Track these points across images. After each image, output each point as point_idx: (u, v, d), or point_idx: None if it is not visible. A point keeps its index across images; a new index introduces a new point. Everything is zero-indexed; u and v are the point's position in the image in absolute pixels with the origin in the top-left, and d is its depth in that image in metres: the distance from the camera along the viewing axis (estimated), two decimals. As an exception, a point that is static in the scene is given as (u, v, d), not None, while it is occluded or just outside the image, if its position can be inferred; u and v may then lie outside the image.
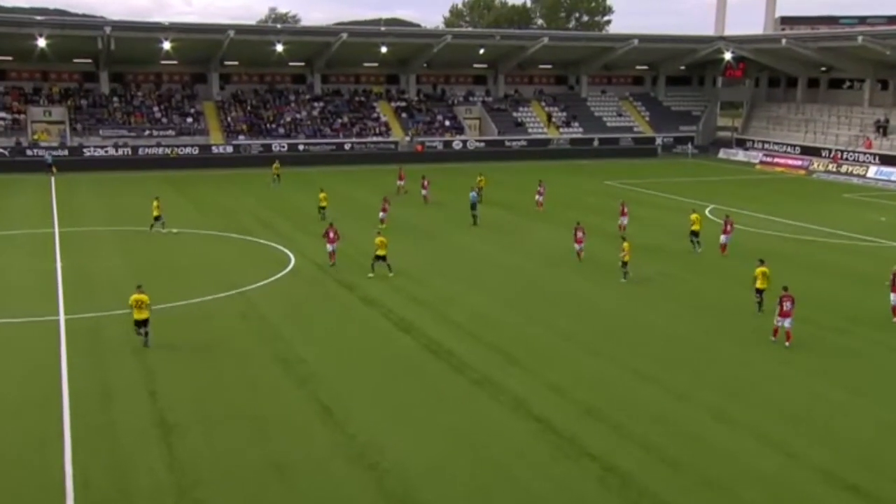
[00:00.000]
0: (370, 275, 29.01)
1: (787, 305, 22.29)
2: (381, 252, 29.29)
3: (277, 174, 54.50)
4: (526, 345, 22.59)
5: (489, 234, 38.28)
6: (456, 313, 25.52)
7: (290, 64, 75.57)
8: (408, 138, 73.46)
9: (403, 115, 77.02)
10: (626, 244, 29.73)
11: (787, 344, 22.36)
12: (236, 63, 74.91)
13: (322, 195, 41.65)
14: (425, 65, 79.29)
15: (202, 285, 28.44)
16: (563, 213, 43.11)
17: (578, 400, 18.73)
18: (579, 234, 32.35)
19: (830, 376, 20.49)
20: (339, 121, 74.31)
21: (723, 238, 32.79)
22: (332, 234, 31.14)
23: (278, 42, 68.18)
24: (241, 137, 69.82)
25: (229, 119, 71.75)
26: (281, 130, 71.80)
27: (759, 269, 25.42)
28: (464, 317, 25.12)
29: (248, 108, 73.74)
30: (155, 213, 37.30)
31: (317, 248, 33.27)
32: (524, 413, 17.94)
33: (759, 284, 25.36)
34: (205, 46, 69.33)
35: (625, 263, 29.43)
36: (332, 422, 17.51)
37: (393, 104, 78.25)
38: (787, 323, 22.34)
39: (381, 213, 39.42)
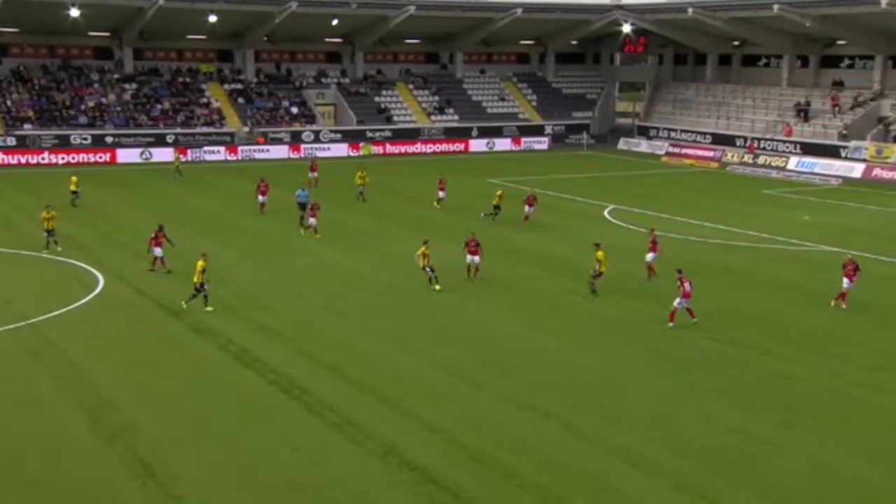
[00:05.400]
0: (208, 308, 28.14)
1: (687, 286, 26.62)
2: (199, 279, 27.98)
3: (178, 166, 59.28)
4: (398, 380, 22.64)
5: (355, 247, 38.12)
6: (311, 343, 25.39)
7: (91, 34, 73.49)
8: (246, 129, 72.56)
9: (240, 100, 76.13)
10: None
11: (694, 321, 26.80)
12: (16, 30, 72.10)
13: (74, 179, 46.85)
14: (265, 38, 78.61)
15: (-22, 317, 27.22)
16: (450, 219, 43.50)
17: (462, 443, 18.88)
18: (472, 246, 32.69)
19: (757, 408, 21.31)
20: (159, 107, 72.75)
21: (649, 257, 33.15)
22: (159, 238, 32.93)
23: (73, 5, 65.89)
24: (27, 127, 67.25)
25: (9, 103, 69.03)
26: (82, 119, 69.59)
27: (600, 253, 30.27)
28: (321, 347, 25.01)
29: (36, 88, 71.16)
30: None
31: (133, 265, 32.72)
32: (395, 461, 17.97)
33: (600, 269, 30.14)
34: (-31, 6, 66.06)
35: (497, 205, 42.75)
36: (154, 483, 17.07)
37: (226, 87, 77.23)
38: (687, 303, 26.77)
39: (310, 219, 39.93)
